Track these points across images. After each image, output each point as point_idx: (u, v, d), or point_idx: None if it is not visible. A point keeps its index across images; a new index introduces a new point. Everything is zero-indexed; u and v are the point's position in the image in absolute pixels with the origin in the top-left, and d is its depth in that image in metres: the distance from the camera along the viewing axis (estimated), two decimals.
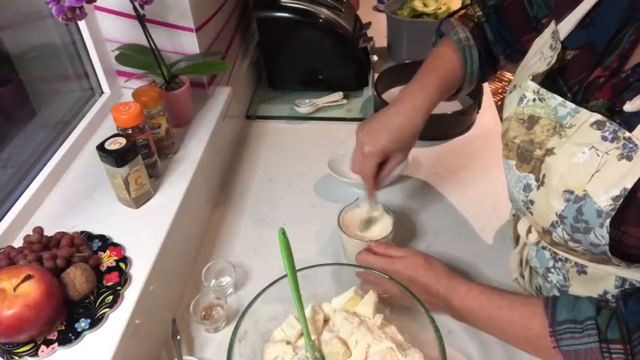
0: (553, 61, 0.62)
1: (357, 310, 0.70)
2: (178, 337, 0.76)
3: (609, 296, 0.64)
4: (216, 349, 0.77)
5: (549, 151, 0.60)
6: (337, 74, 1.31)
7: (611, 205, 0.53)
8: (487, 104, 1.27)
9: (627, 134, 0.52)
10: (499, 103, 2.03)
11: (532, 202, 0.64)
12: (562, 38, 0.64)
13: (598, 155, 0.54)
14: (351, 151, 0.99)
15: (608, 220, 0.53)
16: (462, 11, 0.89)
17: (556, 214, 0.59)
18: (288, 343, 0.69)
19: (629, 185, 0.51)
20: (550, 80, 0.64)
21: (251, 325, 0.67)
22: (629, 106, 0.54)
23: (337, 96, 1.30)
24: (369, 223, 0.87)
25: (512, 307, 0.64)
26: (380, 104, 1.21)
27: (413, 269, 0.72)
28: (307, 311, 0.70)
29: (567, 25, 0.64)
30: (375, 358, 0.63)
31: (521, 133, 0.64)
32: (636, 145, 0.51)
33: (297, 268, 0.67)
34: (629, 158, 0.52)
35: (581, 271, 0.66)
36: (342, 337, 0.66)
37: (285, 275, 0.66)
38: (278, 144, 1.21)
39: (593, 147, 0.55)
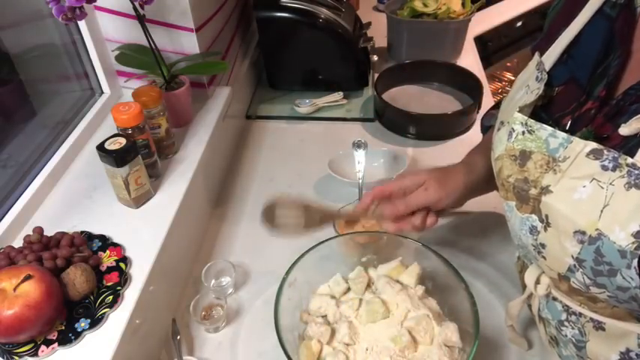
0: (540, 92, 0.59)
1: (400, 278, 0.76)
2: (178, 337, 0.76)
3: (633, 354, 0.58)
4: (216, 349, 0.77)
5: (545, 190, 0.55)
6: (337, 74, 1.31)
7: (634, 242, 0.47)
8: (487, 104, 1.26)
9: (630, 160, 0.48)
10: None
11: (543, 246, 0.57)
12: (547, 69, 0.61)
13: (602, 187, 0.49)
14: (351, 151, 0.99)
15: (635, 260, 0.47)
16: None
17: (572, 257, 0.53)
18: (333, 297, 0.75)
19: None
20: (535, 116, 0.60)
21: (301, 274, 0.74)
22: (625, 130, 0.50)
23: (337, 96, 1.30)
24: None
25: None
26: (380, 104, 1.21)
27: (435, 184, 0.78)
28: (354, 273, 0.78)
29: (550, 57, 0.61)
30: (411, 322, 0.69)
31: (515, 171, 0.59)
32: None
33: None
34: (638, 186, 0.47)
35: (599, 327, 0.60)
36: (384, 298, 0.72)
37: (338, 235, 0.78)
38: (278, 144, 1.21)
39: (594, 179, 0.50)
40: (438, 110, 1.19)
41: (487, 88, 1.32)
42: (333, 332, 0.70)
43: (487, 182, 0.80)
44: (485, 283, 0.85)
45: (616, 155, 0.49)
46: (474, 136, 1.20)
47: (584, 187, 0.51)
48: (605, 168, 0.49)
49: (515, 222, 0.61)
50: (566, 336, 0.64)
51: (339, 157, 1.06)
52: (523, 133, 0.58)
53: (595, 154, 0.50)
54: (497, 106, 0.87)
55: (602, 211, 0.49)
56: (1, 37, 0.84)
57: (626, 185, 0.47)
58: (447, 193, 0.78)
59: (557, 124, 0.58)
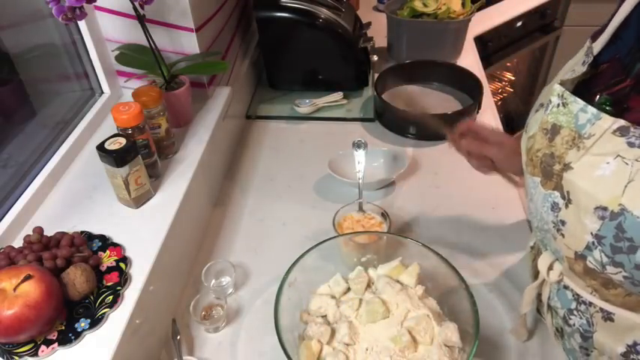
0: (584, 70, 0.59)
1: (400, 278, 0.76)
2: (178, 337, 0.76)
3: None
4: (216, 349, 0.77)
5: (567, 166, 0.56)
6: (337, 74, 1.31)
7: None
8: (487, 104, 1.27)
9: None
10: (499, 103, 2.04)
11: (563, 223, 0.58)
12: (595, 54, 0.60)
13: (627, 164, 0.49)
14: (351, 151, 1.00)
15: None
16: None
17: (591, 234, 0.53)
18: (333, 297, 0.76)
19: None
20: (576, 92, 0.59)
21: (301, 273, 0.74)
22: None
23: (337, 96, 1.30)
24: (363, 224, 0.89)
25: None
26: (380, 104, 1.21)
27: (510, 158, 0.76)
28: (354, 273, 0.78)
29: (601, 41, 0.61)
30: (411, 322, 0.69)
31: (544, 145, 0.60)
32: None
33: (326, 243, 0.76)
34: None
35: (607, 317, 0.60)
36: (384, 298, 0.73)
37: (338, 236, 0.78)
38: (278, 144, 1.21)
39: (618, 156, 0.50)
40: (438, 110, 1.19)
41: (487, 88, 1.32)
42: (333, 332, 0.70)
43: None
44: (485, 283, 0.85)
45: None
46: None
47: (607, 163, 0.51)
48: (631, 145, 0.50)
49: (538, 198, 0.62)
50: (573, 325, 0.64)
51: (339, 157, 1.06)
52: (558, 105, 0.58)
53: (621, 131, 0.51)
54: None
55: (625, 186, 0.49)
56: (1, 37, 0.84)
57: None
58: (511, 164, 0.81)
59: (594, 99, 0.58)
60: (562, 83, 0.59)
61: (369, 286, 0.77)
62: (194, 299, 0.78)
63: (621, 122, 0.51)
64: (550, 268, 0.65)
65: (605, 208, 0.51)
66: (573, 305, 0.64)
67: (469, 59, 1.46)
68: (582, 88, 0.60)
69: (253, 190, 1.07)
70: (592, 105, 0.55)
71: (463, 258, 0.89)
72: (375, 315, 0.71)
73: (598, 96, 0.58)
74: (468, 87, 1.26)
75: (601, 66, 0.60)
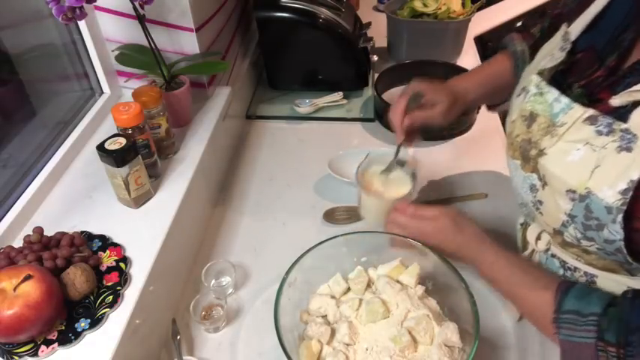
0: (562, 59, 0.62)
1: (400, 278, 0.76)
2: (178, 337, 0.76)
3: None
4: (216, 349, 0.77)
5: (541, 152, 0.60)
6: (337, 74, 1.31)
7: (620, 199, 0.52)
8: None
9: (623, 125, 0.52)
10: None
11: (541, 202, 0.63)
12: (572, 39, 0.63)
13: (594, 151, 0.54)
14: (351, 151, 1.00)
15: (620, 215, 0.52)
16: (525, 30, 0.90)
17: (565, 213, 0.58)
18: (333, 297, 0.76)
19: (636, 177, 0.50)
20: (553, 80, 0.64)
21: (301, 273, 0.74)
22: (616, 101, 0.54)
23: (337, 96, 1.30)
24: (386, 181, 0.87)
25: (533, 289, 0.63)
26: (380, 104, 1.21)
27: (443, 233, 0.72)
28: (354, 273, 0.78)
29: (577, 27, 0.64)
30: (411, 322, 0.69)
31: (523, 131, 0.64)
32: (635, 135, 0.51)
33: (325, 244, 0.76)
34: (629, 149, 0.51)
35: (591, 281, 0.65)
36: (384, 298, 0.73)
37: (338, 236, 0.77)
38: (278, 144, 1.21)
39: (587, 143, 0.54)
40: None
41: None
42: (333, 332, 0.70)
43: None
44: (485, 283, 0.85)
45: (610, 121, 0.53)
46: (474, 136, 1.20)
47: (577, 150, 0.55)
48: (599, 133, 0.53)
49: (518, 180, 0.67)
50: None
51: (339, 157, 1.06)
52: (534, 94, 0.62)
53: (591, 120, 0.55)
54: (521, 30, 0.89)
55: (592, 171, 0.54)
56: (1, 37, 0.84)
57: (617, 149, 0.52)
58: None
59: (570, 89, 0.62)
60: (540, 72, 0.63)
61: (369, 286, 0.77)
62: (194, 299, 0.78)
63: (591, 112, 0.55)
64: (538, 238, 0.72)
65: (574, 191, 0.56)
66: (561, 272, 0.70)
67: (469, 59, 1.46)
68: (559, 76, 0.64)
69: (253, 190, 1.07)
70: (567, 95, 0.59)
71: None
72: (375, 315, 0.71)
73: (575, 86, 0.62)
74: None
75: (578, 54, 0.63)
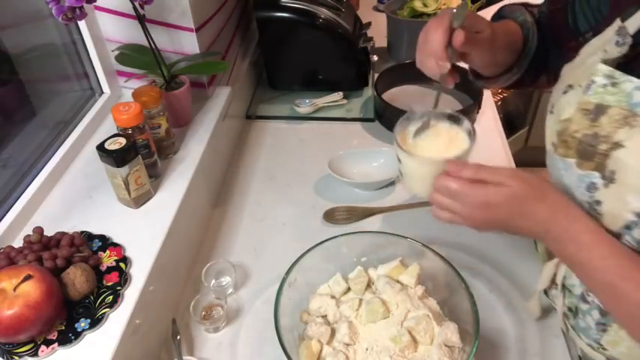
0: (625, 51, 0.56)
1: (400, 278, 0.76)
2: (178, 337, 0.76)
3: None
4: (216, 349, 0.77)
5: (617, 145, 0.53)
6: (337, 74, 1.31)
7: None
8: (487, 104, 1.27)
9: None
10: (499, 103, 2.03)
11: (599, 203, 0.56)
12: (632, 33, 0.57)
13: None
14: (351, 151, 1.00)
15: None
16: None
17: (634, 212, 0.52)
18: (333, 297, 0.76)
19: None
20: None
21: (301, 274, 0.74)
22: None
23: (337, 96, 1.30)
24: (434, 138, 0.71)
25: None
26: (380, 104, 1.21)
27: (520, 201, 0.57)
28: (354, 273, 0.78)
29: (635, 22, 0.58)
30: (411, 322, 0.69)
31: (585, 126, 0.57)
32: None
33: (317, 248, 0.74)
34: None
35: None
36: (384, 298, 0.73)
37: (338, 236, 0.76)
38: (278, 144, 1.21)
39: None
40: (438, 110, 1.18)
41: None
42: (333, 332, 0.70)
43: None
44: (485, 283, 0.85)
45: None
46: None
47: None
48: None
49: (570, 180, 0.59)
50: (592, 302, 0.64)
51: (339, 157, 1.06)
52: (604, 85, 0.56)
53: None
54: (522, 3, 0.81)
55: None
56: (1, 37, 0.84)
57: None
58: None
59: None
60: (606, 62, 0.56)
61: (369, 286, 0.77)
62: (194, 299, 0.78)
63: None
64: None
65: None
66: None
67: None
68: (621, 70, 0.57)
69: (253, 190, 1.07)
70: None
71: (463, 258, 0.89)
72: (375, 315, 0.71)
73: None
74: (468, 87, 1.26)
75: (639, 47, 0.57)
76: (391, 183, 1.06)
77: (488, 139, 1.18)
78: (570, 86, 0.62)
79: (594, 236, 0.56)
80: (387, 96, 1.26)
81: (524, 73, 0.78)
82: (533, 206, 0.57)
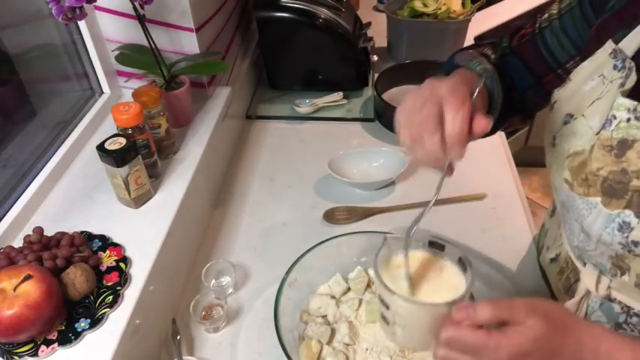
0: (631, 76, 0.53)
1: None
2: (178, 337, 0.76)
3: None
4: (216, 349, 0.77)
5: None
6: (337, 74, 1.31)
7: None
8: None
9: None
10: None
11: (636, 244, 0.52)
12: (630, 55, 0.55)
13: None
14: (351, 151, 0.99)
15: None
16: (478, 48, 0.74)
17: None
18: (333, 297, 0.76)
19: None
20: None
21: (301, 273, 0.74)
22: None
23: (337, 96, 1.30)
24: (422, 276, 0.60)
25: None
26: (380, 104, 1.21)
27: (546, 342, 0.50)
28: (354, 273, 0.78)
29: (633, 43, 0.55)
30: None
31: (608, 162, 0.54)
32: None
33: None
34: None
35: None
36: None
37: (338, 236, 0.76)
38: (278, 144, 1.21)
39: None
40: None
41: None
42: (333, 332, 0.70)
43: None
44: (485, 283, 0.85)
45: None
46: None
47: None
48: None
49: (597, 220, 0.55)
50: None
51: (339, 157, 1.06)
52: (628, 120, 0.53)
53: None
54: (474, 46, 0.75)
55: None
56: (1, 37, 0.84)
57: None
58: None
59: None
60: (624, 94, 0.53)
61: (369, 286, 0.77)
62: (194, 299, 0.78)
63: None
64: (598, 281, 0.61)
65: None
66: (622, 318, 0.60)
67: None
68: (635, 98, 0.54)
69: (253, 190, 1.07)
70: None
71: None
72: (375, 315, 0.71)
73: None
74: None
75: None
76: (391, 183, 1.06)
77: (488, 139, 1.17)
78: (571, 115, 0.59)
79: (623, 351, 0.50)
80: (387, 96, 1.26)
81: (495, 124, 0.67)
82: (561, 339, 0.50)
